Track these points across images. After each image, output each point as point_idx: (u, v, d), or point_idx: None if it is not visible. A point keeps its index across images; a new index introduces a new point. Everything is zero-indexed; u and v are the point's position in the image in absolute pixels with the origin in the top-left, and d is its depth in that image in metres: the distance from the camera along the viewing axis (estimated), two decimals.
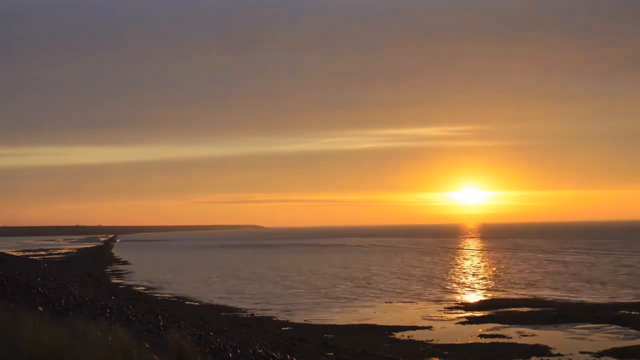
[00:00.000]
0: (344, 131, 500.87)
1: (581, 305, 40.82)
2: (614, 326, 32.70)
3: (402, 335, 31.05)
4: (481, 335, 30.78)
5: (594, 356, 26.11)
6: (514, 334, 31.20)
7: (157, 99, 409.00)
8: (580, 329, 32.25)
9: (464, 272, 69.97)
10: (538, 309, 39.29)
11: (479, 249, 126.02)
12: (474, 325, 33.81)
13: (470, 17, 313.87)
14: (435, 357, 26.24)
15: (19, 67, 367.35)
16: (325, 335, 30.66)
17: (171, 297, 48.85)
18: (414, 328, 33.19)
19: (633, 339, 29.52)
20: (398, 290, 52.03)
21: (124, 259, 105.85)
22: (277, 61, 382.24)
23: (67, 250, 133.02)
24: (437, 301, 44.66)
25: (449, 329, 32.88)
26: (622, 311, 37.30)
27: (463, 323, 34.71)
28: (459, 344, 28.75)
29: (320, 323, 35.43)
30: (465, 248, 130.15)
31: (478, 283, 57.86)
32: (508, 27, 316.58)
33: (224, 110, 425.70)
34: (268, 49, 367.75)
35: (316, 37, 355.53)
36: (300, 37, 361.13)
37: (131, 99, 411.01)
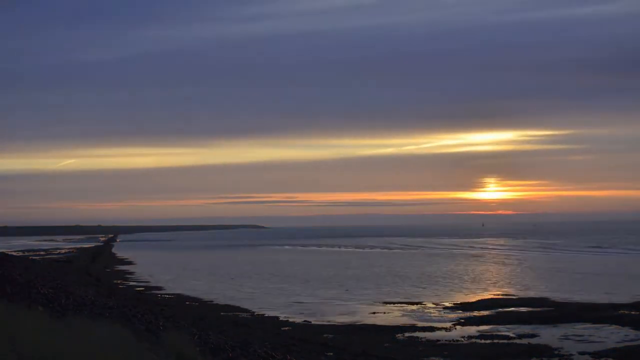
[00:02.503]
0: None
1: (581, 305, 40.80)
2: (614, 326, 32.70)
3: (402, 335, 31.04)
4: (481, 335, 30.77)
5: (593, 356, 26.11)
6: (514, 334, 31.21)
7: (152, 106, 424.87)
8: (580, 329, 32.25)
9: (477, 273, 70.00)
10: (538, 309, 39.30)
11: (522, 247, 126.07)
12: (474, 325, 33.81)
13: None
14: (435, 357, 26.24)
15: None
16: (325, 335, 30.65)
17: (171, 297, 48.84)
18: (414, 328, 33.19)
19: (633, 339, 29.51)
20: (399, 291, 52.07)
21: (124, 258, 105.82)
22: None
23: (67, 250, 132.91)
24: (437, 301, 44.66)
25: (449, 329, 32.87)
26: (622, 311, 37.29)
27: (463, 323, 34.71)
28: (459, 344, 28.75)
29: (320, 323, 35.44)
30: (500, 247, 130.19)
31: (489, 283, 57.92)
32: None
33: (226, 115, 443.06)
34: None
35: None
36: None
37: (136, 107, 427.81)
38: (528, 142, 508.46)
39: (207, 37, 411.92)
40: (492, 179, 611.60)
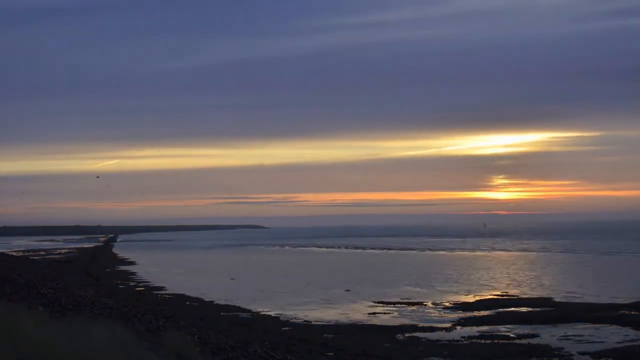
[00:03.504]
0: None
1: (581, 305, 40.81)
2: (614, 326, 32.71)
3: (402, 335, 31.04)
4: (481, 335, 30.78)
5: (593, 356, 26.10)
6: (514, 334, 31.21)
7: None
8: (580, 329, 32.26)
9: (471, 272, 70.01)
10: (538, 309, 39.31)
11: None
12: (474, 326, 33.80)
13: None
14: (435, 357, 26.24)
15: None
16: (325, 335, 30.64)
17: (171, 297, 48.84)
18: (414, 328, 33.19)
19: (633, 339, 29.51)
20: (400, 291, 52.08)
21: (125, 259, 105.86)
22: None
23: (67, 250, 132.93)
24: (437, 301, 44.66)
25: (449, 329, 32.88)
26: (622, 311, 37.29)
27: (463, 323, 34.70)
28: (459, 344, 28.75)
29: (320, 323, 35.45)
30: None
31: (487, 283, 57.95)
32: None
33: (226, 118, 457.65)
34: None
35: None
36: None
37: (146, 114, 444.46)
38: (557, 143, 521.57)
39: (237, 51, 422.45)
40: (518, 179, 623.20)
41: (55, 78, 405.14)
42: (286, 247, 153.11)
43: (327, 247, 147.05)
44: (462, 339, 29.89)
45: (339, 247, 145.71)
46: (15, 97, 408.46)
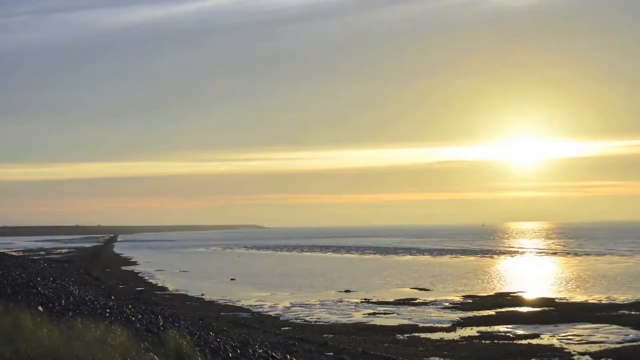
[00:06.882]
0: None
1: (581, 305, 40.83)
2: (614, 326, 32.68)
3: (402, 335, 31.05)
4: (481, 335, 30.76)
5: (593, 356, 26.08)
6: (514, 334, 31.20)
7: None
8: (580, 329, 32.25)
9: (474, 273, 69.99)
10: (538, 309, 39.31)
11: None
12: (474, 326, 33.78)
13: None
14: (435, 357, 26.23)
15: None
16: (325, 335, 30.64)
17: (171, 297, 48.85)
18: (414, 328, 33.19)
19: (633, 339, 29.49)
20: (399, 291, 52.09)
21: (125, 258, 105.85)
22: None
23: (67, 250, 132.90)
24: (437, 301, 44.65)
25: (449, 329, 32.86)
26: (622, 311, 37.32)
27: (463, 323, 34.69)
28: (459, 344, 28.74)
29: (320, 323, 35.45)
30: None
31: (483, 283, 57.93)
32: None
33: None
34: None
35: None
36: None
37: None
38: None
39: None
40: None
41: None
42: (285, 248, 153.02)
43: (327, 248, 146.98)
44: (462, 339, 29.88)
45: (341, 248, 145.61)
46: None
